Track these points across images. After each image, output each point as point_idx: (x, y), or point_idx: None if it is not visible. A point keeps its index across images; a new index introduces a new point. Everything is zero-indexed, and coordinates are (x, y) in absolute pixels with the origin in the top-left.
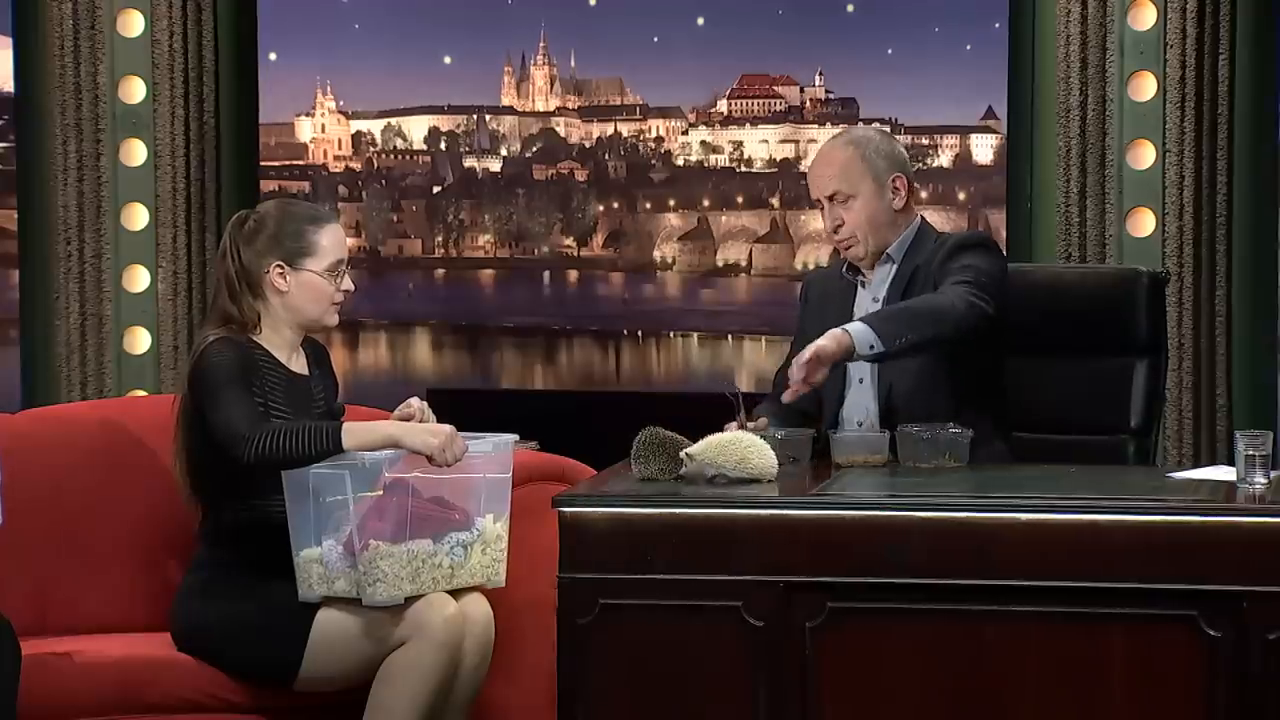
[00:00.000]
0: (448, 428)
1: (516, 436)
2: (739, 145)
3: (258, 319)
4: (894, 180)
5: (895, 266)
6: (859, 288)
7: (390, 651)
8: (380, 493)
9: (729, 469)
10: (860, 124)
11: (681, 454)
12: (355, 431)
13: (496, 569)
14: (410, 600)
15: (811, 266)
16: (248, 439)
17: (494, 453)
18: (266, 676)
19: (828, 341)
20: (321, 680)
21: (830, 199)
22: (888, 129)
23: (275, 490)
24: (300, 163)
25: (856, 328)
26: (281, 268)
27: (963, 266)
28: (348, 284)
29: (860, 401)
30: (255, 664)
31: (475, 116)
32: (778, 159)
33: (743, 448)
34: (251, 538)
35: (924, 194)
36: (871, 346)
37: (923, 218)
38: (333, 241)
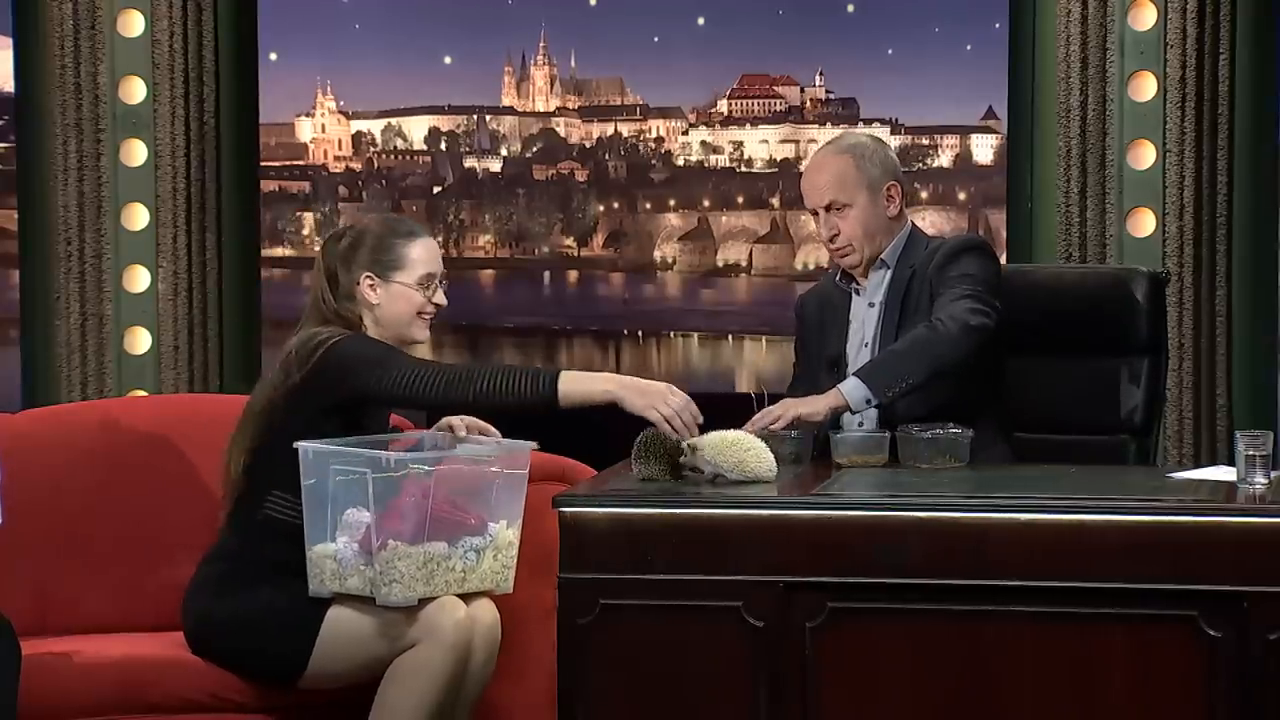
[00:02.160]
0: (676, 395)
1: (535, 444)
2: (739, 145)
3: (359, 322)
4: (889, 188)
5: (890, 272)
6: (854, 295)
7: (399, 652)
8: (400, 492)
9: (727, 470)
10: (860, 124)
11: (684, 444)
12: (573, 379)
13: (506, 575)
14: (422, 602)
15: (812, 267)
16: (468, 376)
17: (511, 458)
18: (272, 672)
19: (820, 408)
20: (327, 678)
21: (826, 209)
22: (887, 129)
23: None
24: (300, 163)
25: (849, 386)
26: (372, 279)
27: (960, 275)
28: (440, 298)
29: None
30: (262, 659)
31: (475, 117)
32: (778, 159)
33: (741, 450)
34: (283, 535)
35: (924, 194)
36: (868, 401)
37: (912, 222)
38: (423, 254)
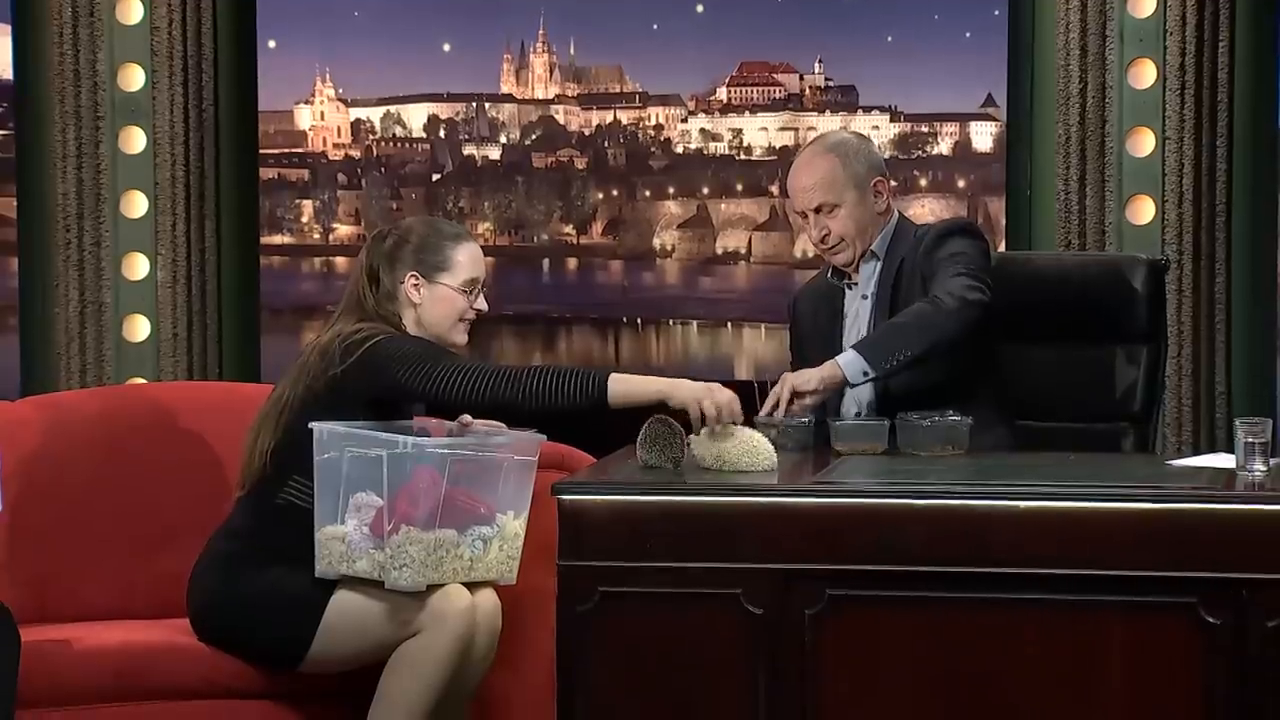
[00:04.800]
0: (721, 393)
1: (544, 436)
2: (738, 133)
3: (399, 321)
4: (876, 183)
5: (880, 263)
6: (847, 290)
7: (404, 638)
8: (411, 477)
9: (726, 465)
10: (860, 112)
11: (689, 440)
12: (623, 381)
13: (510, 566)
14: (429, 589)
15: (811, 254)
16: (516, 376)
17: (522, 448)
18: (276, 654)
19: (810, 378)
20: (330, 661)
21: (816, 210)
22: (887, 116)
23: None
24: (299, 150)
25: (847, 358)
26: (416, 278)
27: (951, 255)
28: (481, 304)
29: (860, 390)
30: (267, 640)
31: (474, 104)
32: (777, 146)
33: (741, 445)
34: (298, 520)
35: (923, 182)
36: (865, 373)
37: (899, 212)
38: (469, 259)
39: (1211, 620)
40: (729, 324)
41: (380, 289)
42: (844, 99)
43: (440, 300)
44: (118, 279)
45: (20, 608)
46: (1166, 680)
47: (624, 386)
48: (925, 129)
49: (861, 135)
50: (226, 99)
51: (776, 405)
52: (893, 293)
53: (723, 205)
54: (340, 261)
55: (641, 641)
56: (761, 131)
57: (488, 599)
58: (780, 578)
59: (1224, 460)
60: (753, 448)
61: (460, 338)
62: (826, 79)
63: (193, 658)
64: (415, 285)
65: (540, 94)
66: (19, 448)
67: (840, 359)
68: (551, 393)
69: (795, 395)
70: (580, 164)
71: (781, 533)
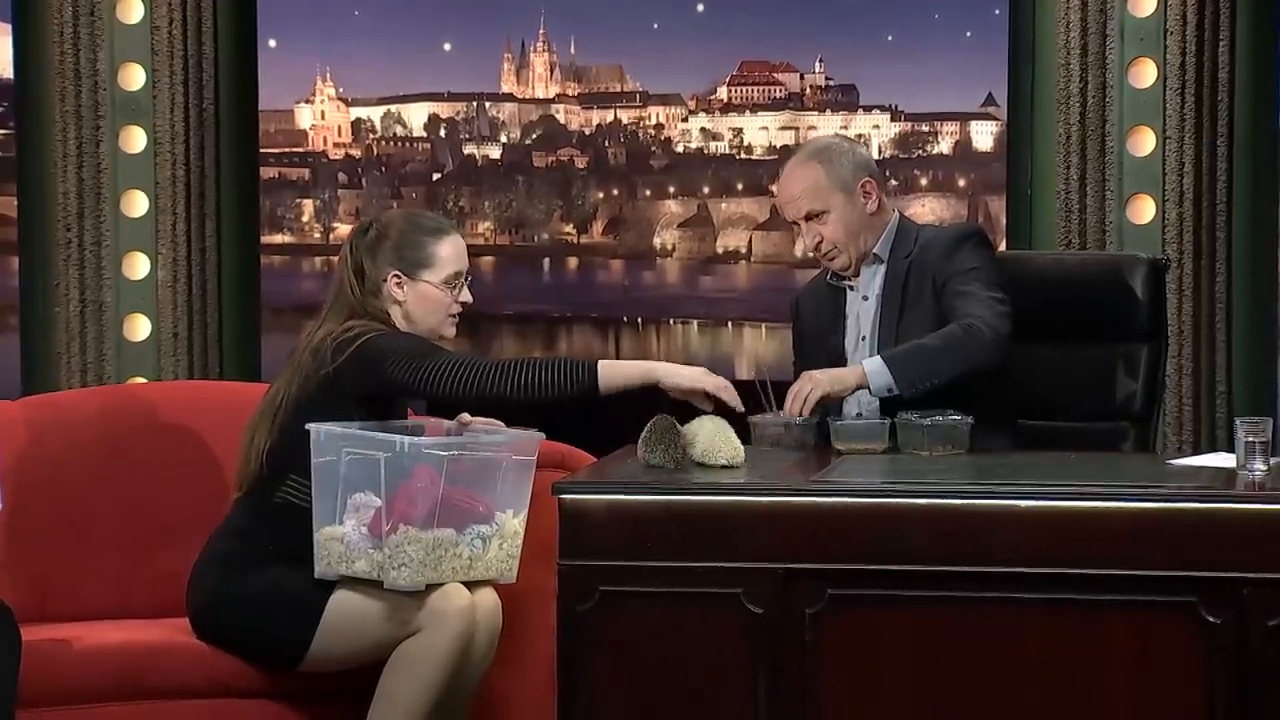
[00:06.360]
0: (716, 377)
1: (543, 435)
2: (739, 132)
3: (387, 317)
4: (863, 185)
5: (884, 265)
6: (848, 291)
7: (404, 637)
8: (410, 476)
9: (713, 458)
10: (860, 111)
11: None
12: (612, 366)
13: (510, 565)
14: (429, 588)
15: (812, 254)
16: (505, 370)
17: (520, 447)
18: (277, 653)
19: (850, 384)
20: (330, 660)
21: (806, 219)
22: (887, 116)
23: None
24: (300, 150)
25: (874, 368)
26: (399, 278)
27: (969, 270)
28: (466, 296)
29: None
30: (267, 639)
31: (475, 103)
32: (777, 146)
33: (722, 438)
34: (296, 519)
35: (924, 181)
36: (889, 389)
37: (899, 212)
38: (451, 253)
39: (1212, 620)
40: (729, 323)
41: (366, 283)
42: (844, 98)
43: (424, 298)
44: (118, 278)
45: (20, 607)
46: (1167, 679)
47: (613, 372)
48: (926, 128)
49: (847, 137)
50: (227, 98)
51: (803, 404)
52: (902, 293)
53: (723, 204)
54: None
55: (641, 641)
56: (762, 131)
57: (487, 598)
58: (780, 577)
59: (1224, 460)
60: (727, 441)
61: (449, 330)
62: (827, 78)
63: (193, 657)
64: (398, 284)
65: (540, 93)
66: (19, 447)
67: (867, 367)
68: (541, 383)
69: (824, 398)
70: (581, 163)
71: (782, 532)
